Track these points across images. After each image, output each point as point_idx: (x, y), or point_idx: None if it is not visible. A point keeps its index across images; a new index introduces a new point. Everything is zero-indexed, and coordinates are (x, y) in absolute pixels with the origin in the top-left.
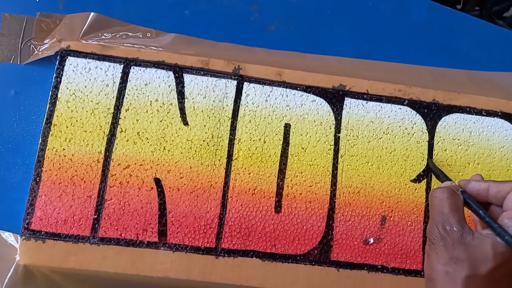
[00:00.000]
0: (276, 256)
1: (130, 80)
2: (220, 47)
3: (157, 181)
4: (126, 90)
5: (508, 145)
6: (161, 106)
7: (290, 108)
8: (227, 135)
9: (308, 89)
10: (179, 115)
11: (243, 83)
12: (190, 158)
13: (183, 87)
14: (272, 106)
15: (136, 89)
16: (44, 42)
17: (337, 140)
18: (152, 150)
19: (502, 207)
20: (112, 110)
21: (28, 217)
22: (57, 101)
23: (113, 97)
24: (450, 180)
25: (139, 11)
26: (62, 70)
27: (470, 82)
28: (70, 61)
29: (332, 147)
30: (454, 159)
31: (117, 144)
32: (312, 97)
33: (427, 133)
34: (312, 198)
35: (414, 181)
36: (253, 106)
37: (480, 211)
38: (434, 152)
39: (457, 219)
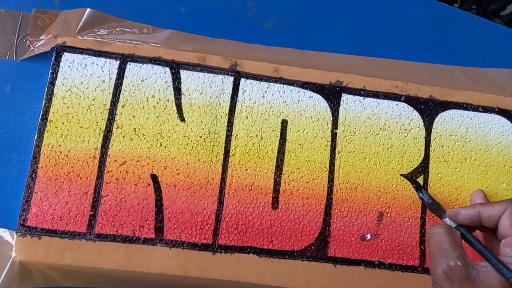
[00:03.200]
0: (273, 252)
1: (126, 76)
2: (217, 43)
3: (154, 177)
4: (123, 86)
5: (504, 141)
6: (157, 102)
7: (287, 104)
8: (224, 131)
9: (305, 85)
10: (175, 111)
11: (240, 79)
12: (187, 154)
13: (179, 83)
14: (269, 102)
15: (133, 85)
16: (40, 38)
17: (334, 136)
18: (148, 146)
19: (498, 233)
20: (108, 106)
21: (24, 213)
22: (53, 97)
23: (110, 93)
24: (443, 211)
25: (135, 7)
26: (58, 66)
27: (467, 79)
28: (66, 57)
29: (329, 143)
30: (451, 155)
31: (113, 140)
32: (309, 93)
33: (424, 129)
34: (309, 194)
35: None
36: (250, 102)
37: (478, 246)
38: (431, 148)
39: (459, 254)
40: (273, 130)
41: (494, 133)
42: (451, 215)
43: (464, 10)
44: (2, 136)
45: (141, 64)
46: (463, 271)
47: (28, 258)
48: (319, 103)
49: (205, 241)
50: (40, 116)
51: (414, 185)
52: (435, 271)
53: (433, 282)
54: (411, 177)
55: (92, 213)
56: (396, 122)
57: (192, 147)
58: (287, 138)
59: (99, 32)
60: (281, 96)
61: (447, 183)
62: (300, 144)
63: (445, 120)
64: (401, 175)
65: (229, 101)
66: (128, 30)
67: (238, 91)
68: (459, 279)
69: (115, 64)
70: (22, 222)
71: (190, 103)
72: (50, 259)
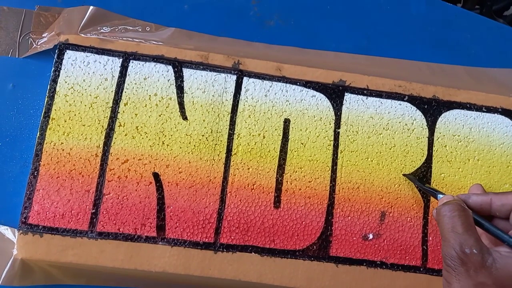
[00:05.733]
0: (275, 251)
1: (129, 74)
2: (220, 41)
3: (156, 175)
4: (125, 84)
5: (508, 142)
6: (160, 101)
7: (289, 103)
8: (226, 130)
9: (308, 84)
10: (178, 109)
11: (242, 78)
12: (189, 153)
13: (182, 81)
14: (272, 101)
15: (135, 83)
16: (43, 35)
17: (336, 136)
18: (150, 144)
19: (510, 220)
20: (110, 104)
21: (26, 211)
22: (55, 95)
23: (112, 91)
24: (444, 194)
25: (138, 5)
26: (61, 64)
27: (470, 78)
28: (69, 54)
29: (332, 142)
30: (454, 155)
31: (115, 138)
32: (312, 92)
33: (427, 129)
34: (312, 193)
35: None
36: (252, 101)
37: (497, 231)
38: (434, 148)
39: (475, 239)
40: (275, 129)
41: (497, 134)
42: (461, 198)
43: (467, 9)
44: (4, 134)
45: (144, 62)
46: (479, 258)
47: (29, 256)
48: (322, 102)
49: (206, 239)
50: (42, 113)
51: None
52: (448, 254)
53: (446, 266)
54: (413, 176)
55: (93, 211)
56: (399, 122)
57: (194, 145)
58: (289, 137)
59: (101, 30)
60: (283, 95)
61: (450, 183)
62: (302, 143)
63: (448, 120)
64: (404, 175)
65: (232, 99)
66: (130, 28)
67: (240, 89)
68: (475, 266)
69: (117, 62)
70: (24, 220)
71: (193, 102)
72: (51, 257)
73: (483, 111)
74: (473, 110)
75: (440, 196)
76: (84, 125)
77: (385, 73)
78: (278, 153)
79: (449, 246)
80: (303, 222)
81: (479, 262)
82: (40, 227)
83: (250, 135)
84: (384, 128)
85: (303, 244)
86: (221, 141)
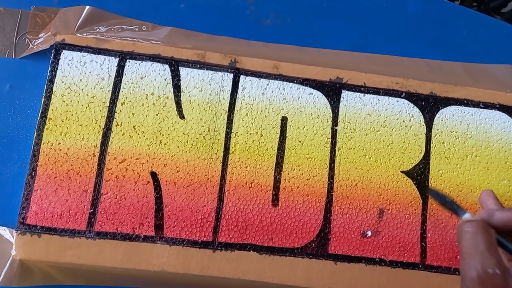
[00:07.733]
0: (273, 249)
1: (125, 74)
2: (217, 40)
3: (154, 175)
4: (122, 84)
5: (506, 137)
6: (157, 100)
7: (287, 101)
8: (223, 128)
9: (305, 82)
10: (175, 108)
11: (239, 76)
12: (186, 151)
13: (179, 80)
14: (269, 99)
15: (132, 83)
16: (39, 36)
17: (334, 133)
18: (148, 143)
19: None
20: (107, 103)
21: (24, 211)
22: (52, 95)
23: (109, 91)
24: (467, 212)
25: (134, 4)
26: (57, 64)
27: (467, 75)
28: (65, 54)
29: (329, 140)
30: (452, 152)
31: (113, 138)
32: (309, 90)
33: (424, 126)
34: (310, 191)
35: (411, 173)
36: (249, 99)
37: None
38: (432, 145)
39: (497, 259)
40: (273, 127)
41: (495, 129)
42: (483, 216)
43: (465, 7)
44: (1, 134)
45: (140, 62)
46: (500, 280)
47: (28, 256)
48: (319, 100)
49: (205, 238)
50: (39, 114)
51: (414, 182)
52: (468, 274)
53: (463, 285)
54: (436, 192)
55: (91, 211)
56: (397, 119)
57: (192, 144)
58: (287, 135)
59: (98, 30)
60: (281, 93)
61: (448, 179)
62: (300, 141)
63: (445, 116)
64: (402, 171)
65: (229, 98)
66: (127, 27)
67: (237, 88)
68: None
69: (114, 61)
70: (22, 220)
71: (190, 100)
72: (50, 257)
73: (481, 107)
74: (470, 106)
75: (463, 214)
76: (81, 125)
77: (382, 70)
78: (276, 151)
79: (469, 265)
80: (302, 220)
81: (499, 284)
82: (38, 227)
83: (247, 133)
84: (381, 125)
85: (302, 242)
86: (218, 139)
